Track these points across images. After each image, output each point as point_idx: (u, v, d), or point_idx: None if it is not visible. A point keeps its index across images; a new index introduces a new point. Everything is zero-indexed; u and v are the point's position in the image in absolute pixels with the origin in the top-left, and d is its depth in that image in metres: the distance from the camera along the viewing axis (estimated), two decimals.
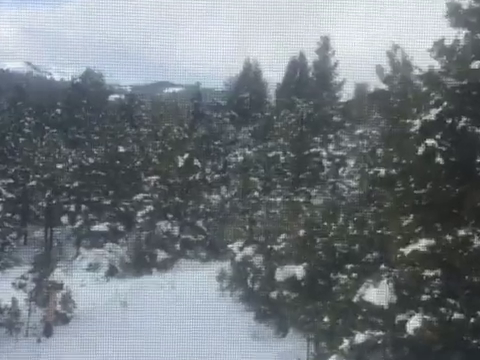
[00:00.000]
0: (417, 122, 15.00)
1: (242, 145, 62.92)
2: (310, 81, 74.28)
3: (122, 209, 49.81)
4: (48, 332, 26.14)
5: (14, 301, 26.80)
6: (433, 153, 14.27)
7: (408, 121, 15.63)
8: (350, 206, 24.89)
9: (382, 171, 17.72)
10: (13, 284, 27.58)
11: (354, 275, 18.68)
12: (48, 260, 30.81)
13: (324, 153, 48.25)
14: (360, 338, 15.00)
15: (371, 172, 21.43)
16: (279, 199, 41.74)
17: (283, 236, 26.69)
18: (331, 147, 49.36)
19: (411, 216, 15.10)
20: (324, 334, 18.66)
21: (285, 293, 23.52)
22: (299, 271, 22.38)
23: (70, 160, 57.35)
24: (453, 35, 14.82)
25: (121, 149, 54.19)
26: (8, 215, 48.72)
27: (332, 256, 21.69)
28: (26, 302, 27.05)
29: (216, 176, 56.15)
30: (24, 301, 27.00)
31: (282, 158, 50.58)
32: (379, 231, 18.54)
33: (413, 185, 15.18)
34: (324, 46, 72.03)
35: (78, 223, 50.81)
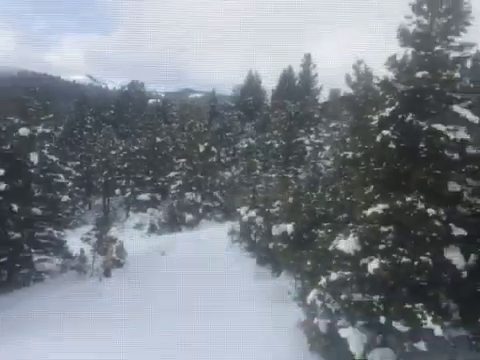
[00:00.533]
0: (376, 117, 15.56)
1: (247, 136, 64.90)
2: (297, 88, 76.19)
3: (159, 183, 54.20)
4: (107, 273, 27.11)
5: (82, 251, 28.44)
6: (388, 140, 14.77)
7: (369, 117, 16.28)
8: (326, 180, 24.88)
9: (350, 154, 18.45)
10: (81, 239, 29.13)
11: (329, 231, 18.76)
12: (106, 221, 32.71)
13: (307, 141, 50.24)
14: (334, 276, 15.06)
15: (342, 155, 21.33)
16: (274, 175, 44.09)
17: (277, 202, 27.82)
18: (312, 136, 51.02)
19: (371, 187, 15.47)
20: (307, 274, 18.60)
21: (279, 244, 24.21)
22: (289, 228, 23.23)
23: (120, 148, 60.95)
24: (402, 52, 15.36)
25: (158, 139, 58.19)
26: (76, 188, 52.71)
27: (313, 217, 22.14)
28: (91, 252, 28.27)
29: (228, 159, 59.12)
30: (89, 251, 28.30)
31: (276, 145, 52.85)
32: (347, 198, 18.94)
33: (373, 164, 15.66)
34: (307, 61, 76.20)
35: (127, 194, 56.15)
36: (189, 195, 47.35)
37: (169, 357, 15.58)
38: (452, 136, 14.32)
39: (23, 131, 27.61)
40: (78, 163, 59.13)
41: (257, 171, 47.86)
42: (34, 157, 26.94)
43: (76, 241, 29.28)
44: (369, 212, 14.56)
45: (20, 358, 15.58)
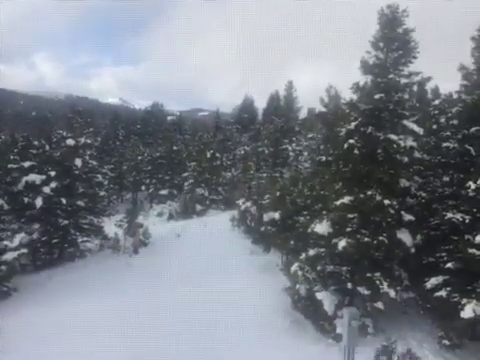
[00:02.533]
0: (343, 130, 15.51)
1: (243, 144, 63.94)
2: (282, 107, 76.33)
3: (175, 181, 53.48)
4: (136, 251, 26.60)
5: (116, 234, 27.87)
6: (353, 147, 14.82)
7: (338, 129, 16.25)
8: (305, 178, 24.50)
9: (323, 158, 19.64)
10: (115, 224, 28.99)
11: (308, 217, 18.81)
12: (134, 211, 32.07)
13: (290, 148, 49.72)
14: (311, 252, 15.14)
15: (317, 158, 22.47)
16: (265, 175, 44.16)
17: (267, 196, 27.21)
18: (294, 145, 50.51)
19: (340, 183, 15.46)
20: (291, 250, 18.66)
21: (269, 228, 24.05)
22: (276, 215, 23.02)
23: (145, 154, 60.14)
24: (363, 79, 15.45)
25: (174, 147, 57.82)
26: (111, 186, 51.73)
27: (295, 206, 21.90)
28: (122, 235, 27.82)
29: (228, 162, 58.50)
30: (122, 234, 27.83)
31: (266, 151, 52.20)
32: (322, 192, 18.54)
33: (341, 166, 15.64)
34: (289, 86, 75.97)
35: (151, 190, 55.77)
36: (199, 190, 46.88)
37: (182, 308, 15.75)
38: (402, 143, 14.52)
39: (70, 142, 27.50)
40: (112, 166, 58.75)
41: (251, 171, 47.28)
42: (78, 162, 26.85)
43: (111, 226, 29.08)
44: (338, 203, 14.59)
45: (74, 312, 15.83)
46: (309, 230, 15.62)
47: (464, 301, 12.14)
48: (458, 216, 13.70)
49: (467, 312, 11.79)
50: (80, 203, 26.89)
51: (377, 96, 14.88)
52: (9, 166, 25.88)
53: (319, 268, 14.87)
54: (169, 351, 12.56)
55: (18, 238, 20.69)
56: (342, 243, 13.98)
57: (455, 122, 15.65)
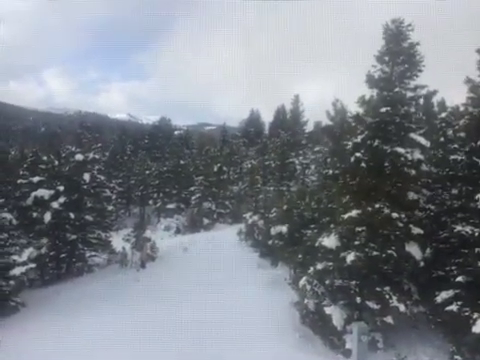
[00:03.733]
0: (350, 143, 15.37)
1: (250, 158, 63.51)
2: (288, 121, 75.69)
3: (183, 195, 52.91)
4: (143, 265, 26.46)
5: (123, 248, 27.82)
6: (359, 161, 14.71)
7: (345, 143, 16.07)
8: (312, 191, 24.32)
9: (330, 171, 18.84)
10: (123, 239, 28.89)
11: (315, 231, 18.65)
12: (142, 225, 31.93)
13: (297, 161, 49.51)
14: (319, 266, 14.99)
15: (324, 172, 22.65)
16: (271, 188, 43.63)
17: (274, 209, 27.12)
18: (301, 158, 50.35)
19: (347, 197, 15.33)
20: (299, 264, 18.47)
21: (276, 241, 23.96)
22: (284, 229, 23.03)
23: (153, 168, 59.90)
24: (370, 92, 15.37)
25: (181, 162, 57.56)
26: (119, 200, 51.61)
27: (303, 220, 21.71)
28: (130, 249, 27.81)
29: (235, 176, 58.07)
30: (129, 248, 27.83)
31: (273, 165, 51.86)
32: (329, 205, 18.38)
33: (348, 179, 15.46)
34: (296, 100, 75.10)
35: (158, 204, 55.23)
36: (206, 204, 46.85)
37: (189, 323, 15.52)
38: (409, 157, 14.39)
39: (78, 157, 27.76)
40: (120, 181, 58.77)
41: (258, 185, 47.34)
42: (86, 176, 27.08)
43: (119, 241, 29.12)
44: (346, 216, 14.47)
45: (81, 328, 15.79)
46: (317, 244, 15.49)
47: (475, 315, 11.92)
48: (467, 229, 13.45)
49: (479, 327, 11.58)
50: (88, 218, 27.03)
51: (383, 109, 14.80)
52: (18, 181, 26.23)
53: (327, 282, 14.70)
54: None
55: (26, 253, 20.80)
56: (350, 257, 13.85)
57: (462, 135, 15.43)
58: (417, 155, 14.51)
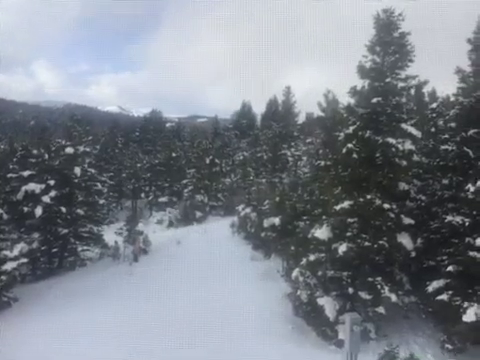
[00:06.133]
0: (342, 134, 15.54)
1: (242, 150, 62.40)
2: (280, 112, 75.45)
3: (175, 188, 51.89)
4: (136, 259, 26.15)
5: (116, 242, 27.39)
6: (351, 152, 14.79)
7: (336, 134, 16.32)
8: (304, 183, 24.15)
9: (322, 163, 19.31)
10: (115, 232, 28.26)
11: (308, 222, 18.57)
12: (134, 218, 31.39)
13: (289, 153, 48.86)
14: (312, 258, 15.00)
15: (316, 163, 22.44)
16: (264, 180, 42.72)
17: (267, 201, 26.70)
18: (293, 150, 49.70)
19: (339, 188, 15.34)
20: (291, 256, 18.36)
21: (269, 233, 23.75)
22: (276, 221, 22.75)
23: (144, 161, 58.69)
24: (361, 83, 15.49)
25: (173, 154, 55.95)
26: (111, 193, 49.90)
27: (295, 212, 21.57)
28: (122, 243, 27.29)
29: (228, 168, 56.92)
30: (121, 242, 27.30)
31: (265, 157, 51.26)
32: (321, 197, 18.14)
33: (340, 170, 15.59)
34: (287, 91, 74.49)
35: (150, 197, 54.12)
36: (198, 197, 46.21)
37: (182, 315, 15.54)
38: (401, 147, 14.48)
39: (68, 150, 27.40)
40: (111, 174, 57.96)
41: (251, 177, 46.76)
42: (77, 170, 26.76)
43: (111, 234, 28.57)
44: (338, 207, 14.55)
45: (76, 318, 15.86)
46: (309, 235, 15.49)
47: (466, 304, 12.13)
48: (458, 219, 13.65)
49: (469, 316, 11.79)
50: (80, 211, 26.84)
51: (375, 100, 14.94)
52: (8, 175, 25.87)
53: (320, 273, 14.78)
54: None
55: (18, 248, 20.54)
56: (342, 248, 14.07)
57: (453, 125, 15.61)
58: (408, 145, 14.57)
